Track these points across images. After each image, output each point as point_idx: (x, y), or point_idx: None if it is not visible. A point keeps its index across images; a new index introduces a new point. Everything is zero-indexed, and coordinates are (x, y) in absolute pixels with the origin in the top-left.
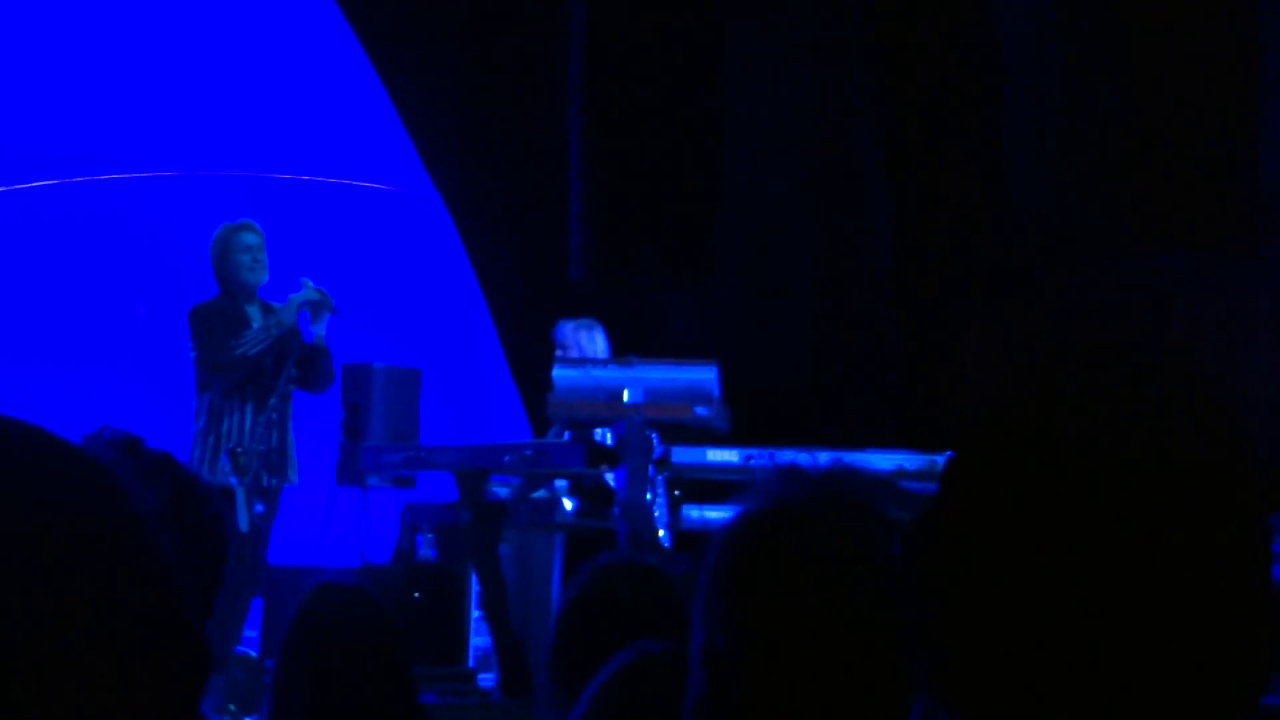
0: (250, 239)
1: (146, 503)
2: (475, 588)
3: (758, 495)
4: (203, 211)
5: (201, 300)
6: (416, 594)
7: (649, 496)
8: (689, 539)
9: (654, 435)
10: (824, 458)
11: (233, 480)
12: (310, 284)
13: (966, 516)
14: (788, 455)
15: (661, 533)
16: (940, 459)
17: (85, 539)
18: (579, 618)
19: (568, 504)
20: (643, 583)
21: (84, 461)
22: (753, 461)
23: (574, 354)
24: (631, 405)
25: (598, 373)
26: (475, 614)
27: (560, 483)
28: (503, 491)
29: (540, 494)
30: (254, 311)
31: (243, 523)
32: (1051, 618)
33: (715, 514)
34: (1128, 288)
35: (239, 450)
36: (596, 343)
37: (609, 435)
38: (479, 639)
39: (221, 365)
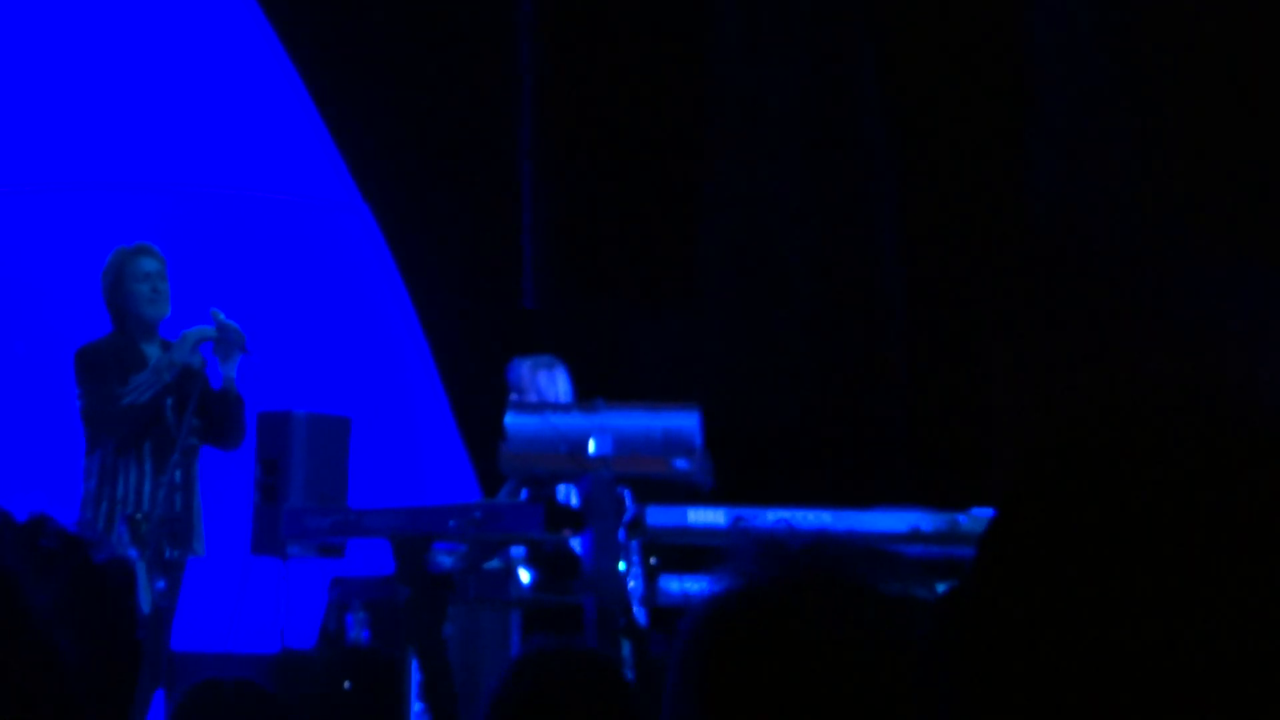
0: (149, 265)
1: (43, 604)
2: (416, 675)
3: (727, 576)
4: (94, 233)
5: (92, 339)
6: (347, 683)
7: (621, 566)
8: (668, 615)
9: (626, 493)
10: (824, 518)
11: (132, 552)
12: (220, 316)
13: (1015, 588)
14: (777, 516)
15: (636, 609)
16: (963, 518)
17: None
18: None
19: (525, 575)
20: (583, 674)
21: None
22: (743, 523)
23: (531, 398)
24: (599, 458)
25: (559, 419)
26: (416, 706)
27: (516, 550)
28: (448, 561)
29: (493, 564)
30: (153, 351)
31: (144, 603)
32: (1128, 705)
33: (698, 586)
34: (1174, 303)
35: (139, 517)
36: (557, 384)
37: (573, 494)
38: None
39: (107, 417)
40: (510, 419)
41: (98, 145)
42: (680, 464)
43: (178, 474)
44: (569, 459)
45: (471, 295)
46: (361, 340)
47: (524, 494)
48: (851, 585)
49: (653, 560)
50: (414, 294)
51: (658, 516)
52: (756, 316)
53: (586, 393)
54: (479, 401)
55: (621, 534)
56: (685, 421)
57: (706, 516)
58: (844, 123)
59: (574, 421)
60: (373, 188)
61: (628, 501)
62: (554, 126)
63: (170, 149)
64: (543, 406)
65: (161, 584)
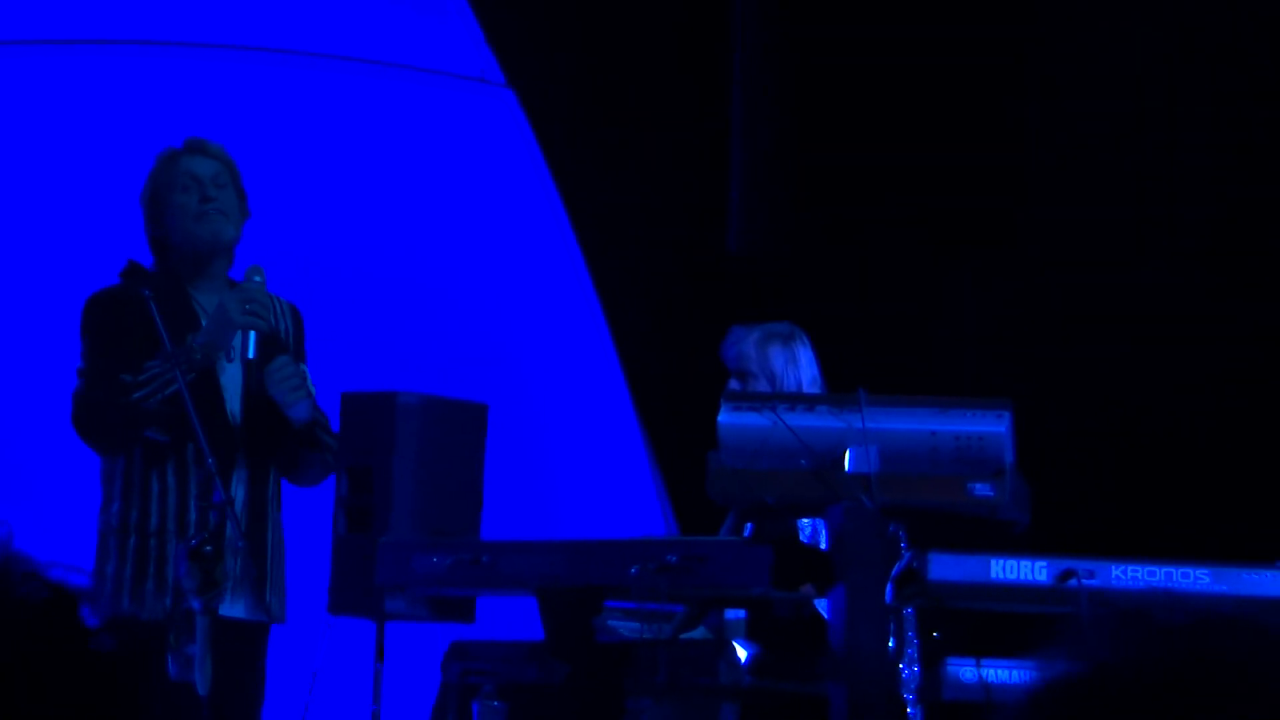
0: (199, 166)
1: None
2: None
3: (1062, 656)
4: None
5: (111, 283)
6: None
7: (887, 642)
8: (958, 716)
9: (899, 531)
10: (1201, 578)
11: (194, 603)
12: (257, 281)
13: None
14: (1134, 573)
15: (910, 706)
16: None
17: None
18: None
19: (742, 652)
20: None
21: None
22: (1074, 582)
23: (760, 385)
24: (858, 477)
25: (799, 419)
26: None
27: (731, 614)
28: (626, 628)
29: (695, 634)
30: (212, 303)
31: (201, 681)
32: None
33: (1005, 674)
34: None
35: (206, 549)
36: (799, 365)
37: (821, 531)
38: None
39: (102, 416)
40: (726, 417)
41: None
42: (980, 490)
43: (231, 495)
44: (814, 478)
45: (659, 232)
46: (504, 289)
47: (748, 530)
48: (1255, 680)
49: (936, 634)
50: (579, 225)
51: (946, 568)
52: (1096, 268)
53: (839, 381)
54: (676, 389)
55: (890, 593)
56: (989, 426)
57: (1019, 570)
58: None
59: (822, 422)
60: (518, 71)
61: (902, 545)
62: None
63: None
64: (776, 399)
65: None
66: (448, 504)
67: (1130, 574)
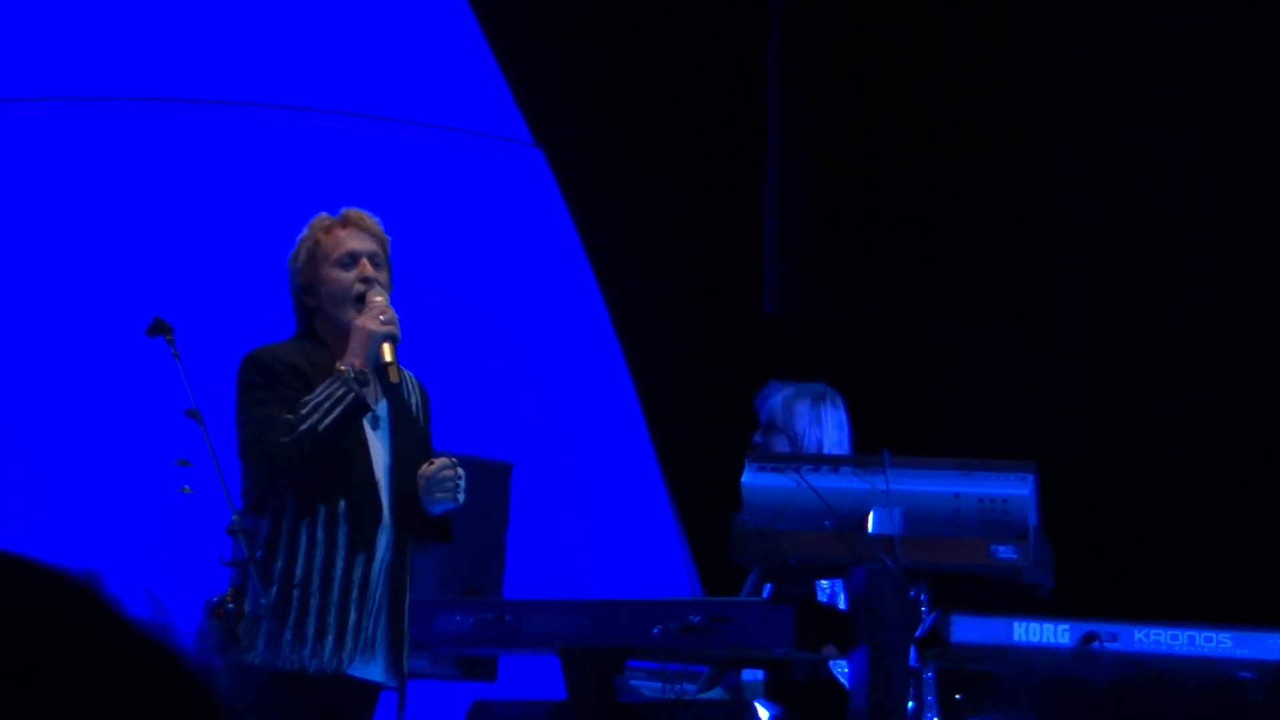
0: (357, 242)
1: None
2: None
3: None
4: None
5: (269, 342)
6: None
7: (908, 704)
8: None
9: (921, 594)
10: (1224, 641)
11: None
12: (379, 301)
13: None
14: (1156, 636)
15: None
16: None
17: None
18: None
19: (763, 713)
20: None
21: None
22: (1097, 645)
23: (780, 441)
24: (881, 539)
25: (822, 480)
26: None
27: (751, 674)
28: (649, 688)
29: (714, 694)
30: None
31: None
32: None
33: None
34: None
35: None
36: (825, 425)
37: (840, 593)
38: None
39: (265, 452)
40: (750, 477)
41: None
42: (1004, 552)
43: (379, 552)
44: (837, 540)
45: (691, 293)
46: (534, 354)
47: (767, 590)
48: None
49: (958, 696)
50: (606, 287)
51: (969, 630)
52: (1124, 336)
53: (865, 442)
54: (701, 446)
55: (912, 655)
56: (1013, 489)
57: (1041, 633)
58: None
59: (846, 484)
60: (550, 130)
61: (923, 607)
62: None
63: (308, 61)
64: (800, 459)
65: None
66: (471, 562)
67: (1153, 637)
